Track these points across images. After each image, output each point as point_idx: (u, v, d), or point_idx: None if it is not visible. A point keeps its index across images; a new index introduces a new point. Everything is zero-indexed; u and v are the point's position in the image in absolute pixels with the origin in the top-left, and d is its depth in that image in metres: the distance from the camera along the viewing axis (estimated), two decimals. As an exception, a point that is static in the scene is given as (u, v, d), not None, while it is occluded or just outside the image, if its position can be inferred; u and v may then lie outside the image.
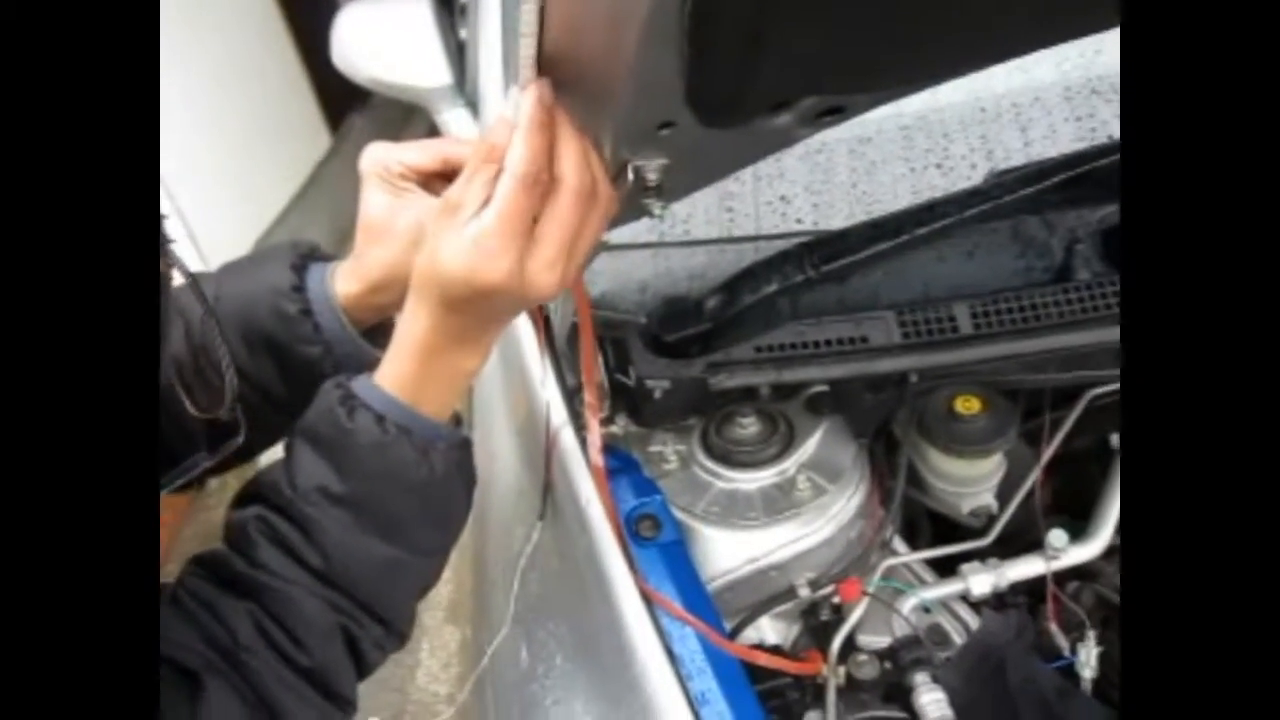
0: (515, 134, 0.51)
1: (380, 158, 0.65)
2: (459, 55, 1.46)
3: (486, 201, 0.51)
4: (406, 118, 3.40)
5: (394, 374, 0.57)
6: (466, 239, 0.51)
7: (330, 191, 3.22)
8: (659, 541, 0.73)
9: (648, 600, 0.68)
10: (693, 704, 0.63)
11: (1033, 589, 0.88)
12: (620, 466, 0.78)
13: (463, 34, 1.64)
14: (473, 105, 1.38)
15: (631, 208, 0.70)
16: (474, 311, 0.54)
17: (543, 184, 0.52)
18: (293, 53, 3.15)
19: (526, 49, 0.51)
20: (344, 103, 3.27)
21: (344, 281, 0.67)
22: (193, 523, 2.28)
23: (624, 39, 0.47)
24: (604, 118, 0.58)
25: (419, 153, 0.64)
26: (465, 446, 0.60)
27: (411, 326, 0.56)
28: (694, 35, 0.47)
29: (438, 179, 0.65)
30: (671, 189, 0.68)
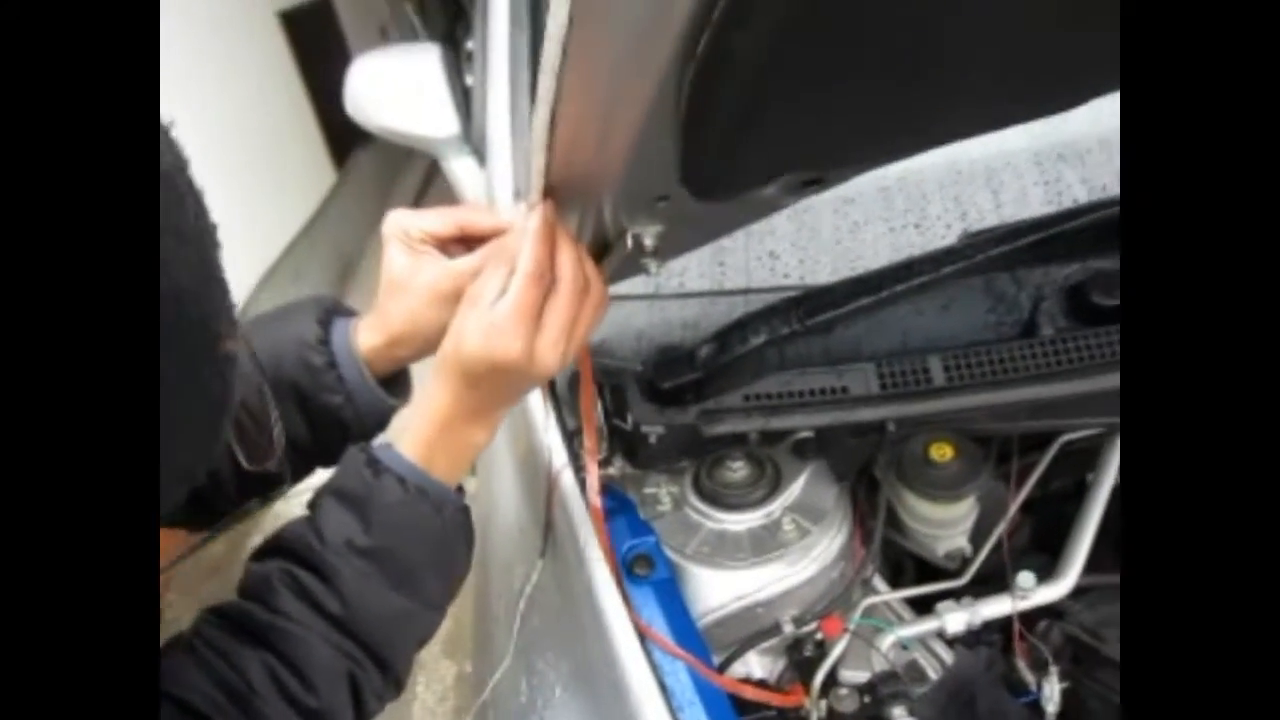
0: (525, 241, 0.62)
1: (401, 223, 0.70)
2: (466, 104, 1.53)
3: (502, 293, 0.61)
4: (408, 155, 3.49)
5: (413, 442, 0.64)
6: (485, 323, 0.60)
7: (334, 225, 3.29)
8: (652, 580, 0.78)
9: (641, 635, 0.73)
10: (682, 734, 0.68)
11: (1005, 626, 0.93)
12: (616, 508, 0.83)
13: (469, 80, 1.71)
14: (479, 154, 1.45)
15: (630, 267, 0.76)
16: (489, 387, 0.63)
17: (547, 280, 0.62)
18: (301, 90, 3.23)
19: (538, 162, 0.57)
20: (349, 139, 3.36)
21: (366, 335, 0.72)
22: (193, 554, 2.31)
23: (626, 129, 0.53)
24: (607, 192, 0.64)
25: (437, 220, 0.70)
26: (467, 511, 0.66)
27: (433, 400, 0.64)
28: (686, 128, 0.53)
29: (452, 243, 0.71)
30: (666, 250, 0.74)
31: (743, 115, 0.50)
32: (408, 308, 0.70)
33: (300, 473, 0.78)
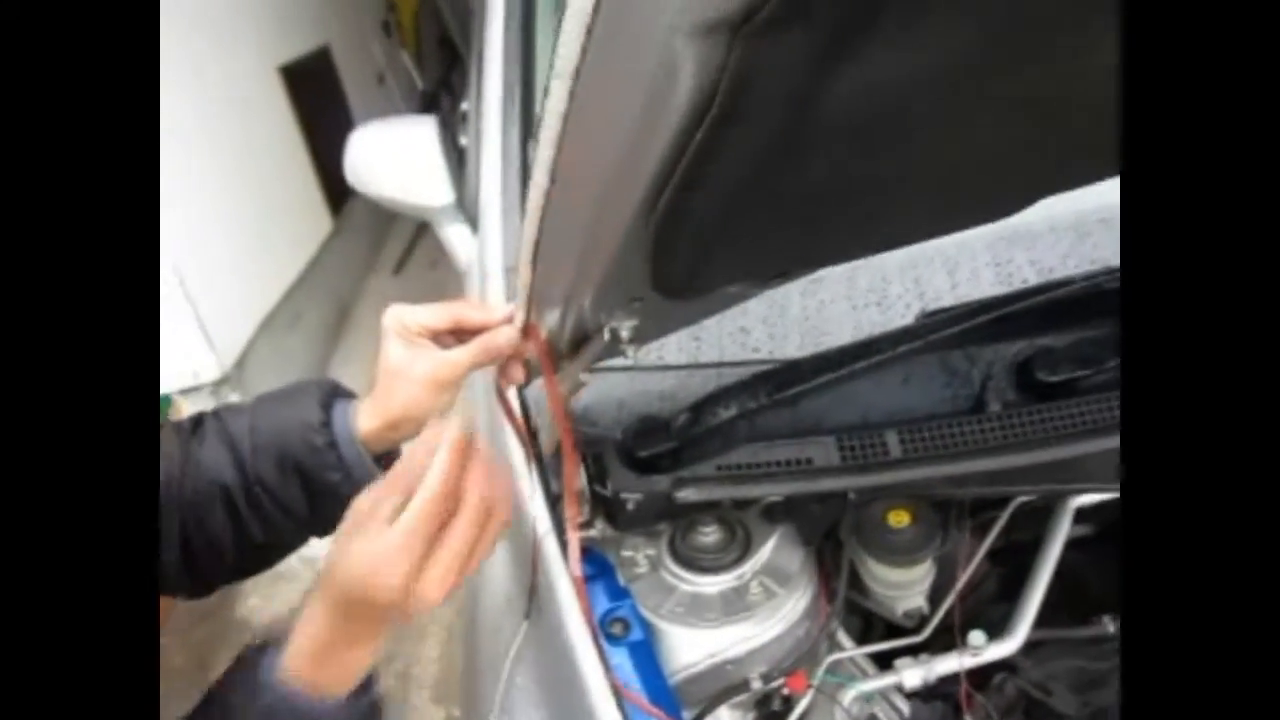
0: (437, 457, 0.58)
1: (399, 316, 0.78)
2: (460, 171, 1.61)
3: (396, 515, 0.58)
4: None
5: (294, 668, 0.60)
6: (370, 552, 0.57)
7: (331, 272, 3.36)
8: (628, 641, 0.84)
9: (618, 694, 0.79)
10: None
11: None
12: (596, 572, 0.89)
13: (463, 140, 1.80)
14: (472, 221, 1.53)
15: (608, 354, 0.83)
16: (362, 617, 0.59)
17: (450, 506, 0.58)
18: (299, 140, 3.32)
19: (524, 276, 0.64)
20: (345, 188, 3.44)
21: (365, 418, 0.79)
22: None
23: (602, 252, 0.60)
24: (586, 294, 0.72)
25: (432, 314, 0.77)
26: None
27: (312, 623, 0.60)
28: (654, 254, 0.60)
29: (446, 335, 0.79)
30: (642, 337, 0.81)
31: (702, 248, 0.57)
32: (405, 395, 0.77)
33: (296, 542, 0.84)
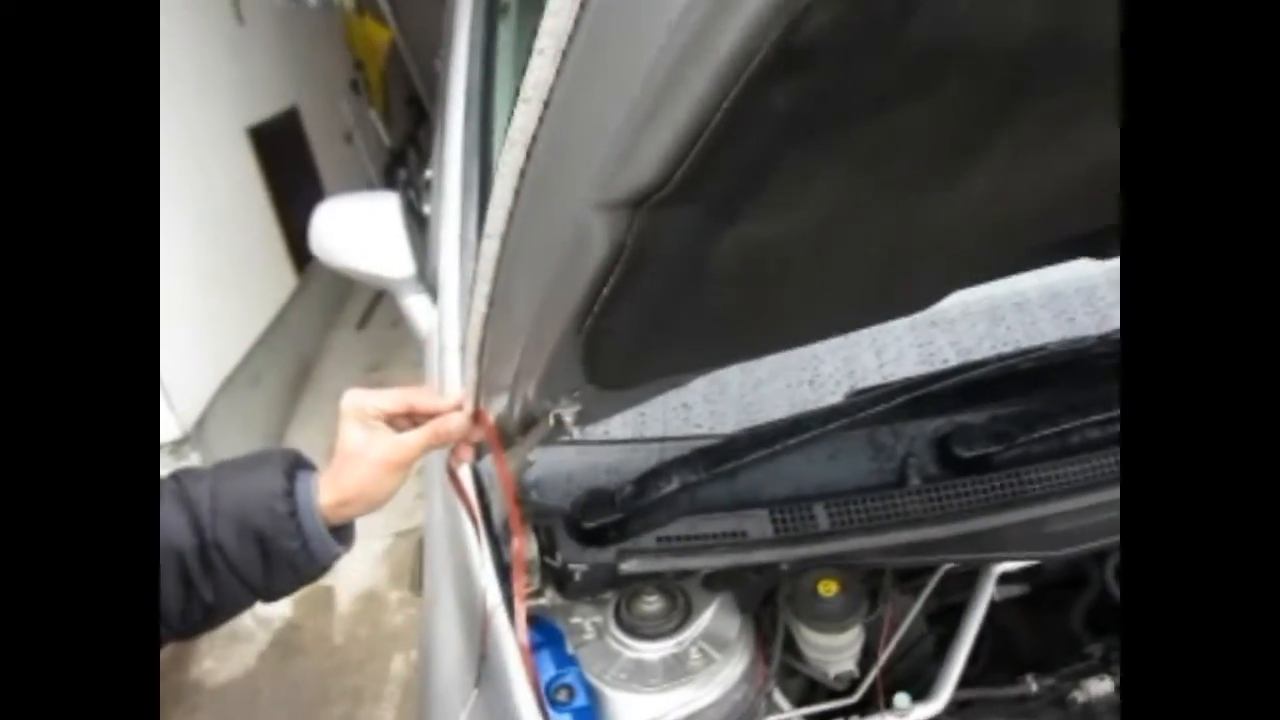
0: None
1: (357, 401, 0.83)
2: (423, 240, 1.68)
3: None
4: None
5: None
6: None
7: (293, 329, 3.39)
8: (572, 706, 0.89)
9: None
10: None
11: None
12: (543, 641, 0.94)
13: (426, 209, 1.87)
14: (432, 291, 1.59)
15: (554, 434, 0.89)
16: None
17: None
18: (266, 200, 3.37)
19: (471, 374, 0.71)
20: (309, 248, 3.50)
21: (323, 493, 0.84)
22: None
23: (540, 355, 0.67)
24: (530, 386, 0.78)
25: (388, 400, 0.83)
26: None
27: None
28: (587, 354, 0.67)
29: (401, 418, 0.84)
30: (585, 420, 0.88)
31: (627, 354, 0.64)
32: (360, 476, 0.82)
33: (242, 608, 0.87)
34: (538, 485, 1.12)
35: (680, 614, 1.02)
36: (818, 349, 1.14)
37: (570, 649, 1.00)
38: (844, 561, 0.99)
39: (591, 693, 0.95)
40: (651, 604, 1.02)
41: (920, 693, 1.01)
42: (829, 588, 0.98)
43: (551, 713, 0.87)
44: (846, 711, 1.01)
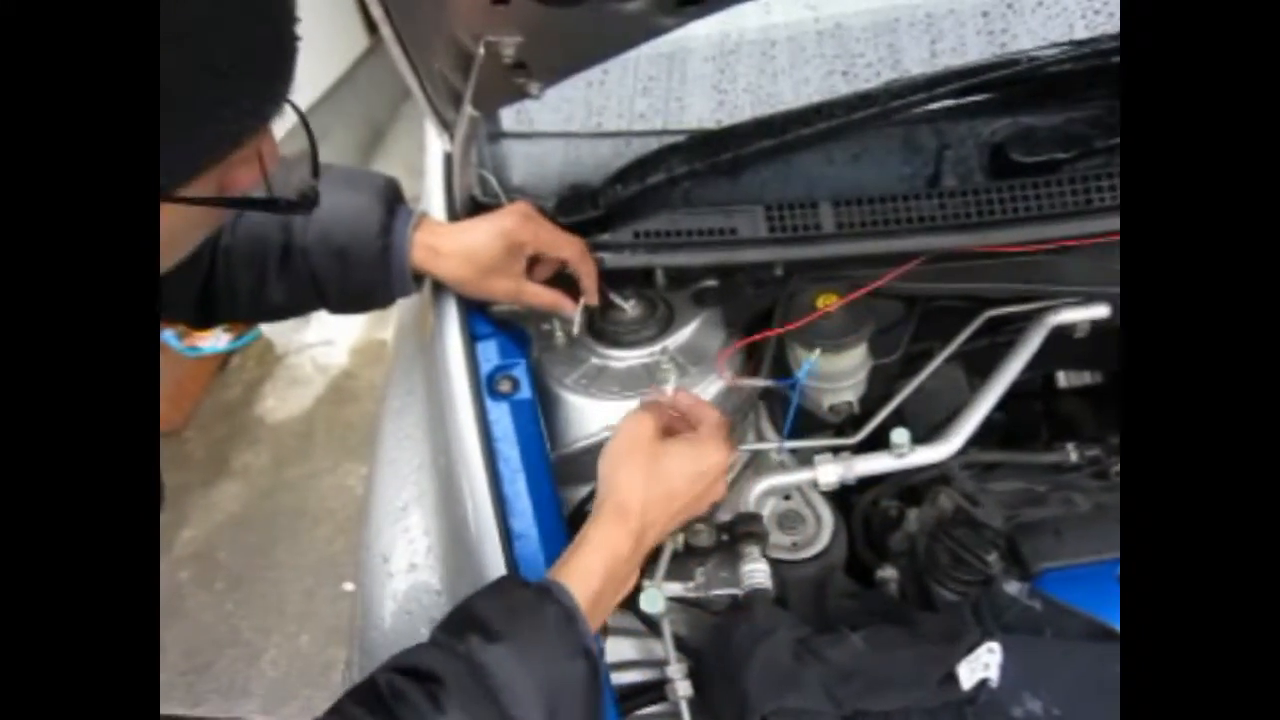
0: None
1: (527, 211, 0.83)
2: None
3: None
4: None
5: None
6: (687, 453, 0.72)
7: (362, 93, 3.28)
8: (513, 398, 0.80)
9: (489, 446, 0.75)
10: (509, 539, 0.70)
11: (900, 493, 0.93)
12: (491, 332, 0.84)
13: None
14: None
15: (507, 87, 0.75)
16: (656, 530, 0.71)
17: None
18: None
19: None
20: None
21: (423, 233, 0.82)
22: (211, 396, 2.45)
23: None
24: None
25: (550, 241, 0.83)
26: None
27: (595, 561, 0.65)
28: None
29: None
30: (539, 69, 0.73)
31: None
32: (473, 244, 0.81)
33: (306, 311, 0.85)
34: (524, 185, 0.99)
35: (659, 324, 0.90)
36: (855, 31, 0.93)
37: (535, 354, 0.91)
38: (850, 275, 0.84)
39: (547, 396, 0.86)
40: (627, 310, 0.90)
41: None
42: (828, 301, 0.83)
43: (489, 402, 0.78)
44: (838, 450, 0.88)
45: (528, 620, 0.58)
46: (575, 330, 0.87)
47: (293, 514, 2.13)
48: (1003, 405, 1.01)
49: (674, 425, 0.76)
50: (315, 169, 0.62)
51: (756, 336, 0.86)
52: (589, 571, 0.63)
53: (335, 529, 2.07)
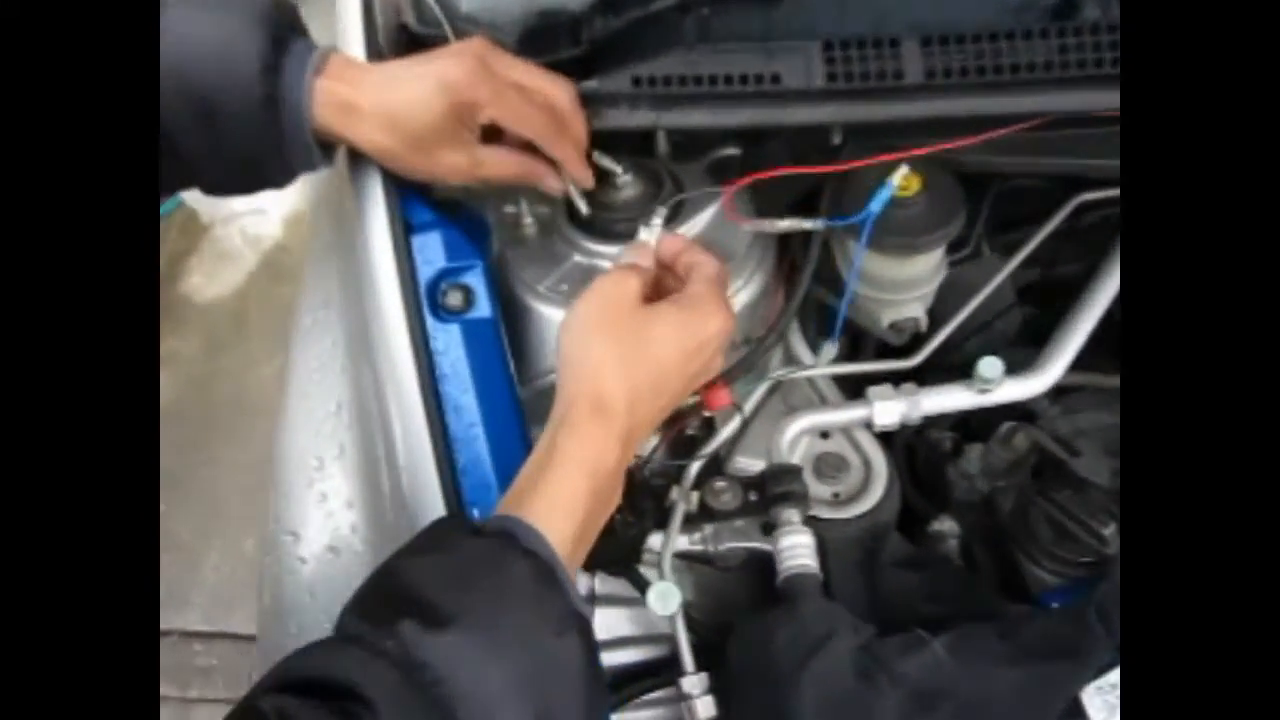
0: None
1: (482, 53, 0.57)
2: None
3: None
4: None
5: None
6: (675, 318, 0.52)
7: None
8: (466, 317, 0.57)
9: (433, 376, 0.53)
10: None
11: (955, 427, 0.73)
12: (432, 221, 0.59)
13: None
14: None
15: None
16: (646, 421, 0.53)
17: None
18: None
19: None
20: None
21: (328, 84, 0.54)
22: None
23: None
24: None
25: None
26: None
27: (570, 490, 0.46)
28: None
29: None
30: None
31: None
32: (403, 99, 0.55)
33: (166, 191, 0.61)
34: (485, 11, 0.71)
35: (665, 209, 0.66)
36: None
37: (497, 250, 0.67)
38: (941, 146, 0.60)
39: (514, 308, 0.64)
40: (622, 187, 0.66)
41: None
42: (908, 186, 0.60)
43: (431, 322, 0.56)
44: (896, 378, 0.67)
45: (487, 585, 0.39)
46: (583, 210, 0.64)
47: (230, 406, 1.91)
48: (1032, 297, 0.81)
49: (660, 283, 0.56)
50: None
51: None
52: (569, 499, 0.45)
53: (277, 423, 1.87)
